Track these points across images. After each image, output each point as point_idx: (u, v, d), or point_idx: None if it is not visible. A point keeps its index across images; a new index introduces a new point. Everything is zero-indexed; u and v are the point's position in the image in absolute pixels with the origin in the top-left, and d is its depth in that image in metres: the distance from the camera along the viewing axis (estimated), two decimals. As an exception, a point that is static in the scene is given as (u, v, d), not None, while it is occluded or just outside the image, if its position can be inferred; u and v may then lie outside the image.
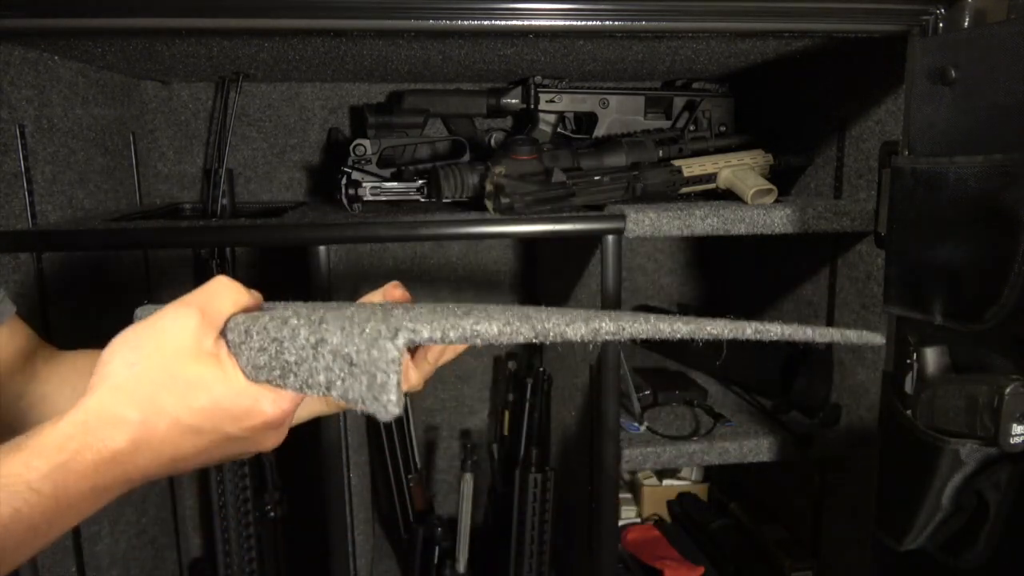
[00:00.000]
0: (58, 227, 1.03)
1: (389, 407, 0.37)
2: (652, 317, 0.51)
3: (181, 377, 0.43)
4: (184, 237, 1.08)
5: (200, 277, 1.49)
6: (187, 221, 1.30)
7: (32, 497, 0.38)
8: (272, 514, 1.27)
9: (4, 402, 0.61)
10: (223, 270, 1.46)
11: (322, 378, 0.40)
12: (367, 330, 0.38)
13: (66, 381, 0.63)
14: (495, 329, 0.41)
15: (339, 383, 0.39)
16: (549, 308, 0.53)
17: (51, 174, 1.07)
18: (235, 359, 0.45)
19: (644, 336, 0.49)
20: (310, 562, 1.28)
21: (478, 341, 0.41)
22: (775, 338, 0.54)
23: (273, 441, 0.49)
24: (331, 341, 0.40)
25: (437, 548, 1.37)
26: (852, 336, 0.59)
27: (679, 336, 0.50)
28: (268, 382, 0.44)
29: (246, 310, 0.48)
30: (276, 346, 0.43)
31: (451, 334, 0.39)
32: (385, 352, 0.37)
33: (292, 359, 0.42)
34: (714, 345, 1.38)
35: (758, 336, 0.53)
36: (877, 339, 0.60)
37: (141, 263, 1.42)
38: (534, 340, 0.44)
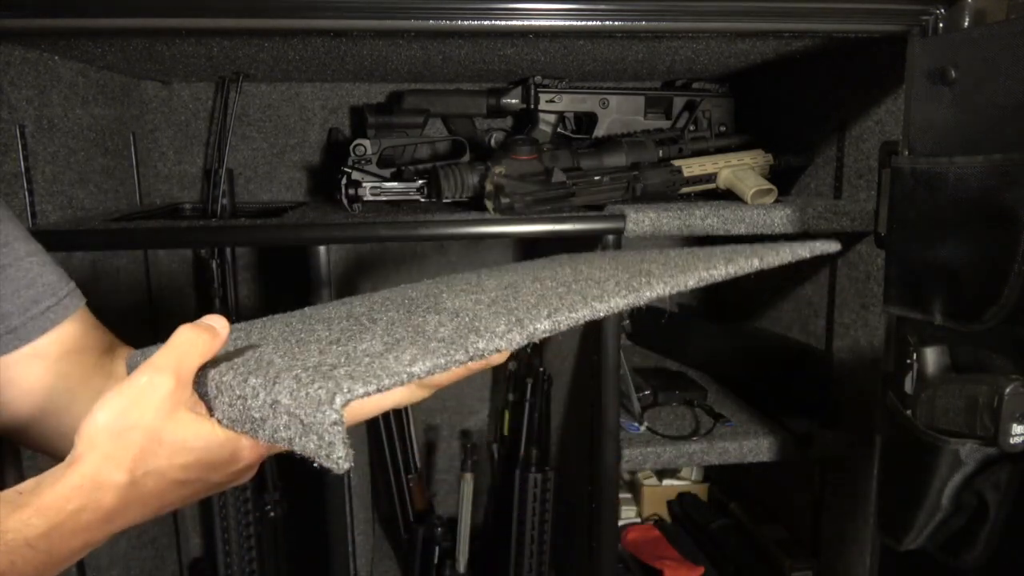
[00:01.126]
0: (58, 227, 1.03)
1: (340, 464, 0.40)
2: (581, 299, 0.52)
3: (165, 440, 0.46)
4: (184, 237, 1.08)
5: (200, 277, 1.49)
6: (187, 221, 1.30)
7: (28, 553, 0.41)
8: (272, 514, 1.28)
9: (81, 406, 0.60)
10: (223, 270, 1.46)
11: (282, 435, 0.43)
12: (310, 392, 0.40)
13: None
14: (428, 365, 0.42)
15: (298, 440, 0.42)
16: (500, 288, 0.55)
17: (51, 174, 1.07)
18: (212, 410, 0.48)
19: (568, 325, 0.50)
20: (310, 562, 1.28)
21: (415, 379, 0.42)
22: (720, 277, 0.56)
23: (249, 476, 0.53)
24: (283, 402, 0.42)
25: (437, 548, 1.37)
26: (803, 251, 0.62)
27: (599, 314, 0.51)
28: (245, 432, 0.47)
29: (215, 353, 0.49)
30: (241, 403, 0.45)
31: (386, 382, 0.41)
32: (326, 416, 0.39)
33: (257, 416, 0.44)
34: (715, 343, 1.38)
35: (703, 282, 0.56)
36: (832, 246, 0.62)
37: (141, 263, 1.42)
38: (469, 362, 0.45)
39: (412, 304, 0.58)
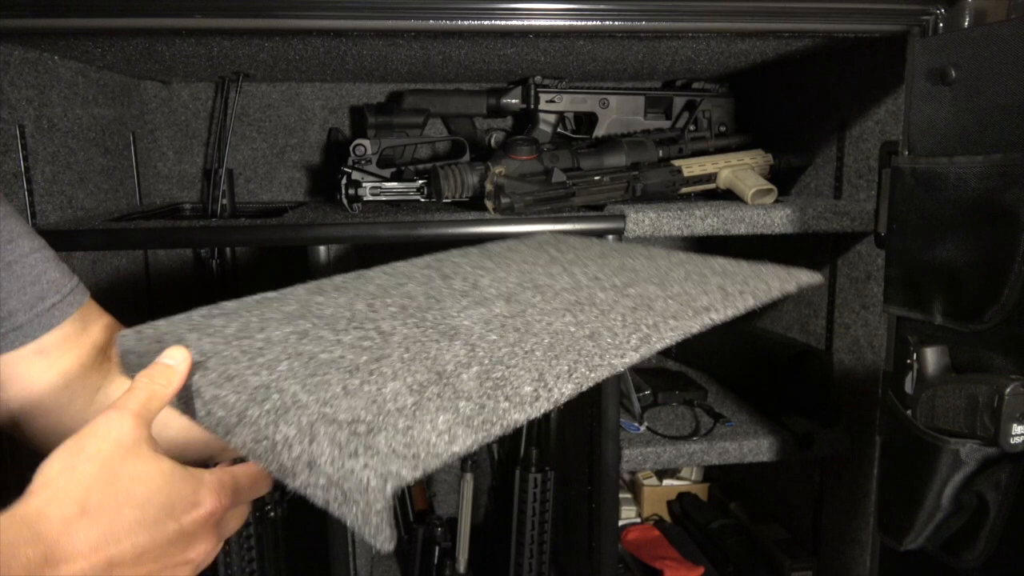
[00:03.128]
0: (58, 227, 1.03)
1: (385, 545, 0.38)
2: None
3: (122, 473, 0.44)
4: (184, 237, 1.08)
5: (200, 277, 1.49)
6: (187, 221, 1.30)
7: None
8: (272, 514, 1.27)
9: (80, 403, 0.61)
10: (223, 270, 1.46)
11: (319, 495, 0.41)
12: (356, 471, 0.39)
13: None
14: (468, 443, 0.41)
15: (336, 507, 0.40)
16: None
17: (51, 174, 1.07)
18: (234, 439, 0.45)
19: (589, 386, 0.49)
20: (310, 562, 1.28)
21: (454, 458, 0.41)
22: (721, 320, 0.56)
23: (209, 547, 0.48)
24: (324, 469, 0.40)
25: (437, 548, 1.36)
26: (790, 287, 0.63)
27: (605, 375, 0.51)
28: (267, 469, 0.44)
29: (179, 387, 0.48)
30: (269, 445, 0.43)
31: (431, 463, 0.39)
32: (375, 501, 0.38)
33: (288, 465, 0.42)
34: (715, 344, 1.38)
35: (707, 326, 0.55)
36: (816, 279, 0.64)
37: (141, 263, 1.42)
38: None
39: (418, 312, 0.57)
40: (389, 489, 0.38)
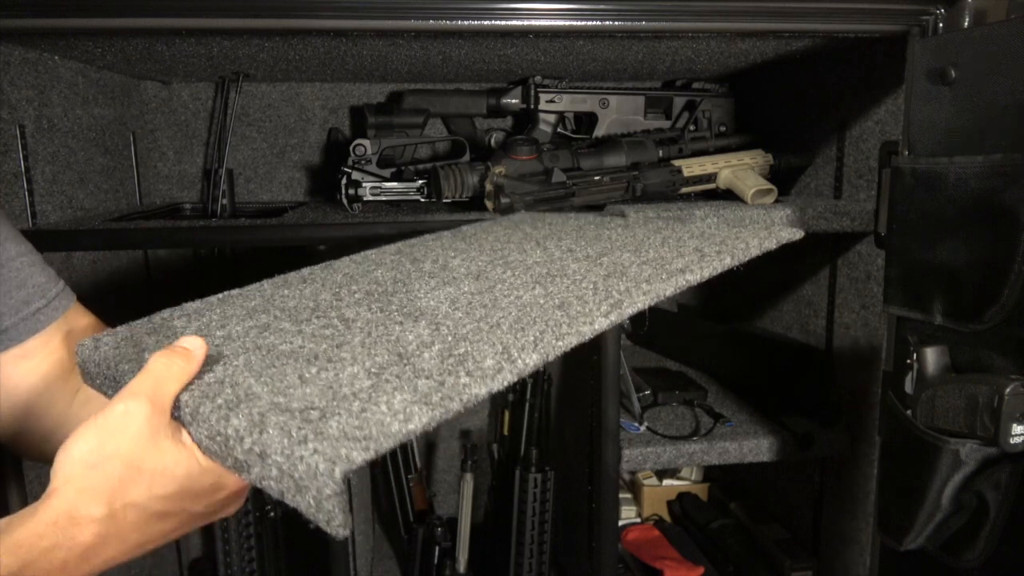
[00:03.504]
0: (58, 227, 1.03)
1: (339, 531, 0.38)
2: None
3: (144, 469, 0.43)
4: (184, 237, 1.08)
5: (200, 277, 1.49)
6: (187, 221, 1.30)
7: None
8: (272, 514, 1.27)
9: (60, 407, 0.60)
10: (223, 270, 1.46)
11: (273, 486, 0.40)
12: (305, 457, 0.38)
13: None
14: (424, 420, 0.40)
15: (290, 496, 0.39)
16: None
17: (51, 174, 1.07)
18: (191, 436, 0.45)
19: (556, 355, 0.48)
20: (310, 562, 1.28)
21: (411, 437, 0.41)
22: (696, 281, 0.56)
23: (235, 507, 0.50)
24: (274, 458, 0.39)
25: (437, 548, 1.36)
26: (770, 243, 0.62)
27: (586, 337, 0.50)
28: (228, 468, 0.44)
29: (192, 376, 0.47)
30: (222, 441, 0.42)
31: (384, 444, 0.39)
32: (324, 487, 0.37)
33: (242, 459, 0.41)
34: (715, 344, 1.38)
35: (681, 288, 0.55)
36: (796, 234, 0.63)
37: (141, 263, 1.42)
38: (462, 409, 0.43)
39: (383, 296, 0.56)
40: (338, 473, 0.37)
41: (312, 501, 0.38)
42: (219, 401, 0.43)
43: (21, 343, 0.58)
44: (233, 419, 0.42)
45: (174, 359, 0.46)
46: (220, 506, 0.48)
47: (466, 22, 0.86)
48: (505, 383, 0.45)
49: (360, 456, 0.38)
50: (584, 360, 1.16)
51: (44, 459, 0.46)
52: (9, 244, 0.59)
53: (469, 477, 1.36)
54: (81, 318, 0.64)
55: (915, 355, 0.82)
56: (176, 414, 0.46)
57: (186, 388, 0.46)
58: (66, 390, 0.61)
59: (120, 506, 0.43)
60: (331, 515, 0.38)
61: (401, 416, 0.40)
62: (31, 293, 0.60)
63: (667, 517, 1.59)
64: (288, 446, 0.39)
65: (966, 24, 0.86)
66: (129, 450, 0.43)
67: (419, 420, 0.40)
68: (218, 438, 0.42)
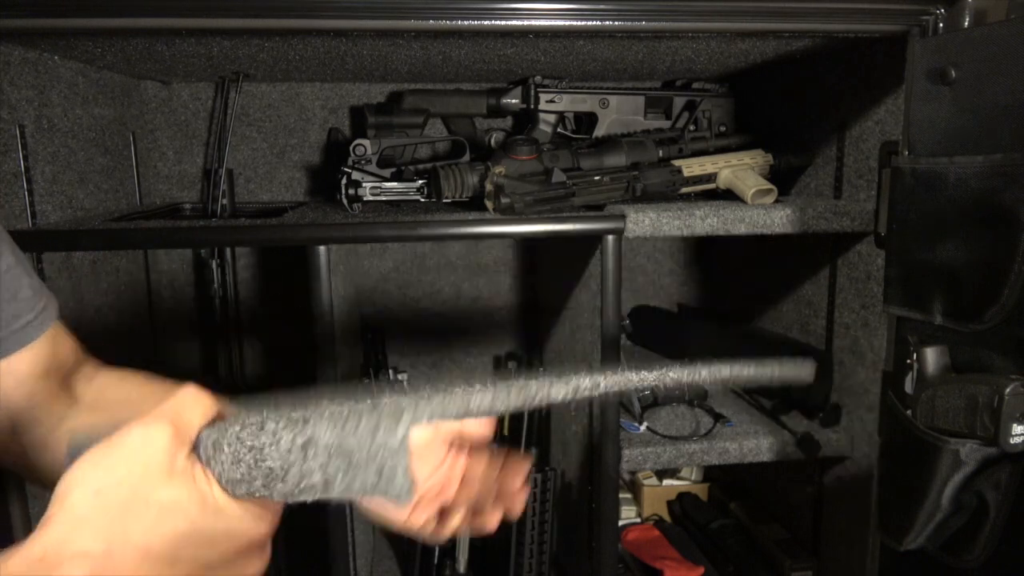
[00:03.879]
0: (58, 227, 1.03)
1: (403, 494, 0.38)
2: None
3: (153, 501, 0.39)
4: (184, 237, 1.08)
5: (200, 277, 1.49)
6: (187, 221, 1.30)
7: None
8: (272, 514, 1.27)
9: (41, 432, 0.58)
10: (223, 270, 1.46)
11: (318, 478, 0.40)
12: (362, 423, 0.38)
13: (104, 409, 0.60)
14: (488, 399, 0.41)
15: (339, 479, 0.39)
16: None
17: (51, 174, 1.07)
18: (209, 475, 0.42)
19: (615, 388, 0.50)
20: (310, 562, 1.28)
21: (473, 412, 0.41)
22: (726, 378, 0.55)
23: (256, 567, 0.45)
24: (321, 439, 0.39)
25: (437, 548, 1.36)
26: (787, 371, 0.59)
27: (646, 384, 0.51)
28: (249, 495, 0.42)
29: (214, 419, 0.44)
30: (254, 455, 0.41)
31: (451, 408, 0.40)
32: (393, 437, 0.38)
33: (276, 465, 0.40)
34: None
35: (711, 377, 0.54)
36: (807, 372, 0.58)
37: (141, 263, 1.42)
38: (522, 407, 0.44)
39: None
40: (404, 426, 0.39)
41: (374, 469, 0.38)
42: (248, 420, 0.42)
43: (8, 356, 0.57)
44: (269, 424, 0.41)
45: (203, 394, 0.44)
46: (237, 556, 0.43)
47: (466, 22, 0.86)
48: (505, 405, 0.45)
49: (426, 415, 0.38)
50: (584, 360, 1.16)
51: (26, 476, 0.43)
52: (7, 254, 0.57)
53: (469, 477, 1.36)
54: (64, 339, 0.62)
55: (915, 355, 0.82)
56: (198, 451, 0.43)
57: (208, 425, 0.44)
58: (51, 413, 0.59)
59: (120, 542, 0.38)
60: (394, 473, 0.38)
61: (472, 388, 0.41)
62: (21, 306, 0.58)
63: (667, 517, 1.59)
64: (338, 423, 0.39)
65: (966, 24, 0.86)
66: (140, 476, 0.39)
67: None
68: (247, 456, 0.41)
